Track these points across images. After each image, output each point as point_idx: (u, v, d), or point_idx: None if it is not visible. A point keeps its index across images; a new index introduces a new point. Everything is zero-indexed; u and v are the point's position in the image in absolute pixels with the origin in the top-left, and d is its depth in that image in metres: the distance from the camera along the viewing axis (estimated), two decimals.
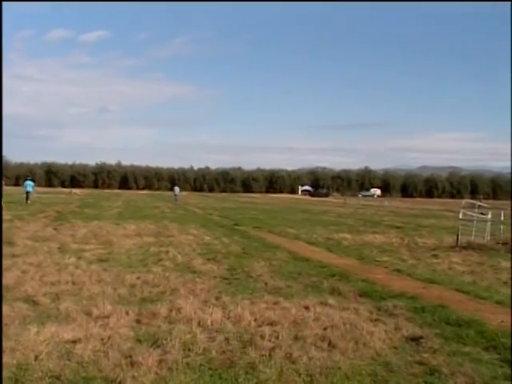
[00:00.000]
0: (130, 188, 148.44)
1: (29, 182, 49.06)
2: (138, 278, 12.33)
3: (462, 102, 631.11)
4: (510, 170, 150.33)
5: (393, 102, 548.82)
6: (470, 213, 24.44)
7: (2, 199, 33.98)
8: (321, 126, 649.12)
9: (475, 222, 23.22)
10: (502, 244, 21.16)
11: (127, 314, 8.88)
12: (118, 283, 11.78)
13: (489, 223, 23.03)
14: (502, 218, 23.49)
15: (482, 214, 24.73)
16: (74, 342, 7.31)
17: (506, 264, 16.61)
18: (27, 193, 47.49)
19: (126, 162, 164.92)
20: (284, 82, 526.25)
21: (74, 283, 11.59)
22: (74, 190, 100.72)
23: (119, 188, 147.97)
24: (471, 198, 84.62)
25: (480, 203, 28.45)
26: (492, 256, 18.69)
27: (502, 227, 22.35)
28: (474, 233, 22.64)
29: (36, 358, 6.65)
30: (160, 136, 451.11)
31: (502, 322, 9.10)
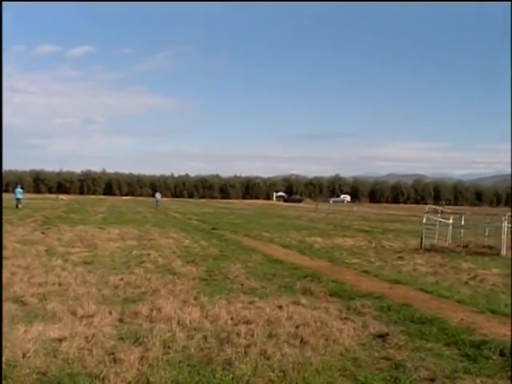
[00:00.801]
0: (113, 194, 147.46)
1: (18, 189, 48.77)
2: (121, 280, 12.28)
3: (426, 113, 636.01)
4: (470, 178, 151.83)
5: (362, 113, 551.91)
6: (433, 217, 24.62)
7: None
8: (295, 136, 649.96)
9: (438, 226, 23.41)
10: (463, 247, 21.39)
11: (110, 313, 8.84)
12: (102, 284, 11.72)
13: (450, 227, 23.24)
14: (463, 223, 23.71)
15: (443, 218, 24.92)
16: (60, 340, 7.27)
17: (466, 265, 16.76)
18: (17, 199, 47.17)
19: (110, 170, 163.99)
20: (260, 95, 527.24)
21: (60, 284, 11.51)
22: (61, 196, 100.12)
23: (104, 194, 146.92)
24: (434, 204, 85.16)
25: (442, 209, 28.68)
26: (453, 258, 18.83)
27: (462, 231, 22.55)
28: (436, 236, 22.85)
29: (24, 355, 6.60)
30: (142, 145, 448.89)
31: (462, 319, 9.17)
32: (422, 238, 22.08)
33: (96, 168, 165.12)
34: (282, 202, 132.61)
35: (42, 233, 23.20)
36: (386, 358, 7.04)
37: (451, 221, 23.83)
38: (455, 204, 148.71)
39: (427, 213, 24.85)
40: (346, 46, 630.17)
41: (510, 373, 6.59)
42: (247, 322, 8.49)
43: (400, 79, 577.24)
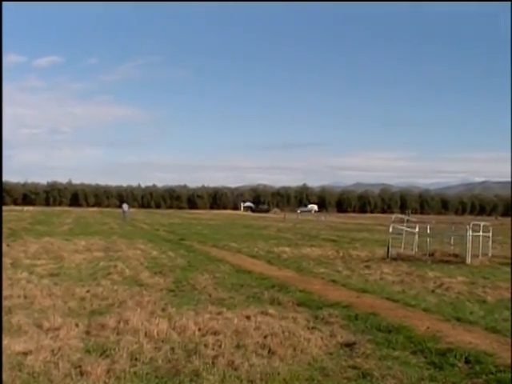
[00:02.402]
0: (80, 205, 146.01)
1: None
2: (88, 292, 12.17)
3: (391, 122, 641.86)
4: (435, 187, 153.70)
5: (326, 122, 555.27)
6: (399, 227, 24.87)
7: None
8: (262, 146, 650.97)
9: (404, 235, 23.64)
10: (429, 255, 21.57)
11: (77, 325, 8.77)
12: (69, 296, 11.61)
13: (416, 236, 23.46)
14: (428, 232, 23.93)
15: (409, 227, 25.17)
16: (26, 353, 7.18)
17: (432, 274, 16.93)
18: None
19: (76, 181, 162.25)
20: (227, 106, 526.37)
21: (25, 297, 11.36)
22: (26, 208, 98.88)
23: (70, 205, 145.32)
24: (401, 213, 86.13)
25: (408, 218, 29.00)
26: (420, 266, 19.01)
27: (428, 240, 22.78)
28: (403, 245, 23.06)
29: None
30: (109, 156, 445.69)
31: (428, 328, 9.25)
32: (388, 247, 22.26)
33: (62, 179, 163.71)
34: (249, 212, 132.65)
35: (8, 245, 22.85)
36: (354, 367, 7.08)
37: (417, 229, 24.07)
38: (421, 213, 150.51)
39: (394, 222, 25.17)
40: (309, 53, 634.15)
41: (474, 380, 6.69)
42: (215, 333, 8.47)
43: (363, 88, 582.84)
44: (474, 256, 20.89)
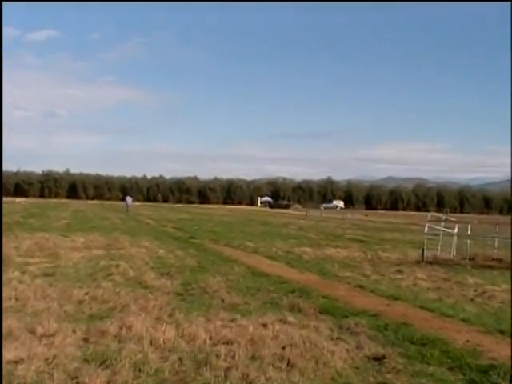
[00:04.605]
0: (78, 198, 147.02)
1: None
2: (87, 294, 12.22)
3: (428, 111, 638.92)
4: (477, 183, 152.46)
5: (355, 110, 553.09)
6: (435, 226, 24.72)
7: None
8: (282, 135, 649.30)
9: (441, 236, 23.45)
10: (469, 259, 21.42)
11: (74, 332, 8.79)
12: (65, 299, 11.65)
13: (455, 237, 23.29)
14: (469, 233, 23.77)
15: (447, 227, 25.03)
16: (17, 362, 7.21)
17: (472, 280, 16.81)
18: None
19: (74, 170, 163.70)
20: (243, 90, 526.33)
21: (17, 299, 11.42)
22: (18, 200, 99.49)
23: (67, 197, 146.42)
24: (437, 211, 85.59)
25: (446, 217, 28.84)
26: (458, 272, 18.90)
27: (468, 242, 22.63)
28: (439, 247, 22.90)
29: None
30: (112, 143, 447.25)
31: (467, 341, 9.20)
32: (423, 249, 22.15)
33: (59, 168, 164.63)
34: (267, 208, 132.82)
35: None
36: None
37: (456, 230, 23.88)
38: (461, 212, 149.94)
39: (429, 221, 24.96)
40: (340, 39, 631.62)
41: None
42: (228, 343, 8.47)
43: (398, 72, 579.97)
44: None
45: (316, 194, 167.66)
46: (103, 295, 12.17)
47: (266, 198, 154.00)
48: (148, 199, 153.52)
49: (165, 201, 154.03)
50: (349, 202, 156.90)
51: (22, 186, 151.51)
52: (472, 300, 13.66)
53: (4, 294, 11.71)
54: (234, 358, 7.72)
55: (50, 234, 27.72)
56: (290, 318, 10.34)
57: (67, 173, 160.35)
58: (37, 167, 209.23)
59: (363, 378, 7.28)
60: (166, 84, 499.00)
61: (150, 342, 8.29)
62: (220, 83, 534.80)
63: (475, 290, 15.04)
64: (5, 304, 10.89)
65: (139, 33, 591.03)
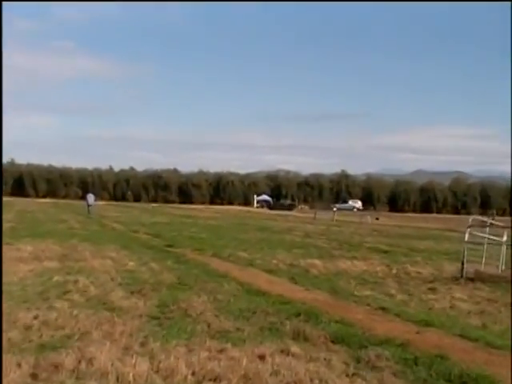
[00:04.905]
0: (26, 195, 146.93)
1: None
2: (36, 318, 12.22)
3: (468, 88, 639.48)
4: None
5: (376, 87, 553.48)
6: (479, 233, 24.70)
7: None
8: (284, 117, 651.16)
9: (486, 245, 23.43)
10: None
11: (19, 366, 8.79)
12: (8, 324, 11.64)
13: (504, 248, 23.24)
14: None
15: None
16: None
17: None
18: None
19: (21, 160, 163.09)
20: (236, 62, 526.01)
21: None
22: None
23: (11, 195, 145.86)
24: (481, 214, 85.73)
25: (492, 221, 28.82)
26: (508, 291, 18.87)
27: None
28: (484, 260, 22.87)
29: None
30: (68, 126, 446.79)
31: None
32: (462, 263, 22.12)
33: None
34: (265, 210, 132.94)
35: None
36: None
37: (505, 238, 23.86)
38: (511, 214, 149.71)
39: (471, 227, 24.94)
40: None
41: None
42: (215, 379, 8.48)
43: (423, 45, 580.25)
44: None
45: (327, 191, 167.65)
46: (57, 319, 12.17)
47: (265, 197, 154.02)
48: (115, 197, 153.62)
49: (136, 200, 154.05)
50: (368, 201, 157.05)
51: None
52: None
53: None
54: None
55: None
56: (294, 349, 10.35)
57: (11, 163, 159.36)
58: None
59: None
60: (138, 52, 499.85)
61: (117, 379, 8.29)
62: (207, 53, 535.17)
63: None
64: None
65: None
